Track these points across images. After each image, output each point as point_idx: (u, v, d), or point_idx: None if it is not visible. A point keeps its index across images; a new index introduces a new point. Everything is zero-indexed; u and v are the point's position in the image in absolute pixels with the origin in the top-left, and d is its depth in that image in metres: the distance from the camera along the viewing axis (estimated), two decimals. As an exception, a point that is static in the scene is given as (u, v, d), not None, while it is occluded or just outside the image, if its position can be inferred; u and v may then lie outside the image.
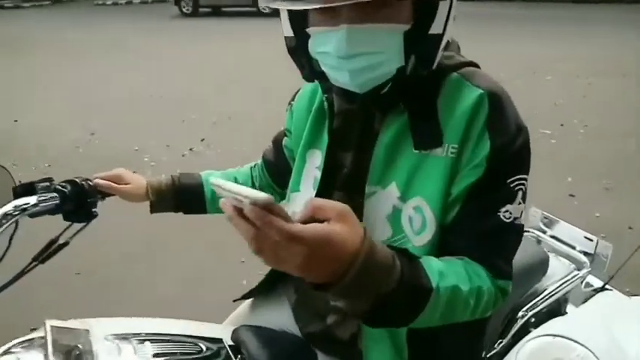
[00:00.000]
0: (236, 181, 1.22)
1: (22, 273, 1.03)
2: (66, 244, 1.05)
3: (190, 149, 4.39)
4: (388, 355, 0.87)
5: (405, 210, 0.83)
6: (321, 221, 0.59)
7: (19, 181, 1.05)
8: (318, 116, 0.97)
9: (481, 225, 0.80)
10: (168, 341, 0.93)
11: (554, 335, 1.17)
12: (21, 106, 5.32)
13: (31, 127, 4.82)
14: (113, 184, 1.12)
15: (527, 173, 0.82)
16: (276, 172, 1.17)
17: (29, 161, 4.00)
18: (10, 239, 0.99)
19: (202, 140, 4.54)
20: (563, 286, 1.39)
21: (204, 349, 0.95)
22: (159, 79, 6.14)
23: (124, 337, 0.90)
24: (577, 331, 1.18)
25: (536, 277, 1.38)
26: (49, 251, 1.05)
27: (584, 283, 1.45)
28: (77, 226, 1.09)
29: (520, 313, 1.32)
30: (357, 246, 0.60)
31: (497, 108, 0.81)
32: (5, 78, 6.06)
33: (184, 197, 1.18)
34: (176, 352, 0.91)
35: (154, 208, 1.18)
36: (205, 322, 1.13)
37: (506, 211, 0.80)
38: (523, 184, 0.81)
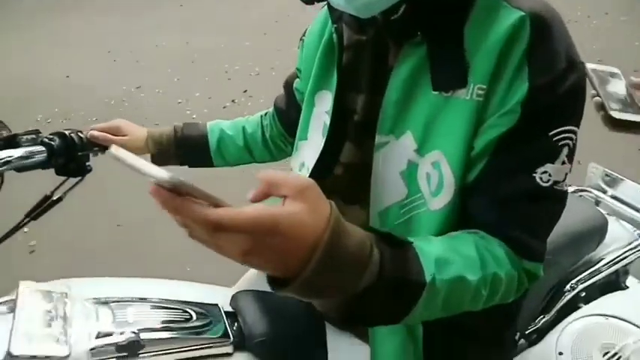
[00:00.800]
0: (244, 132, 1.10)
1: (16, 229, 0.97)
2: (60, 199, 0.99)
3: (232, 101, 4.33)
4: (399, 330, 0.74)
5: (423, 165, 0.68)
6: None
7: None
8: (327, 51, 0.81)
9: (508, 188, 0.64)
10: (153, 307, 0.85)
11: (607, 315, 1.00)
12: (72, 63, 5.41)
13: (80, 82, 4.91)
14: (109, 135, 1.04)
15: (577, 124, 0.64)
16: (287, 119, 1.03)
17: (78, 115, 4.08)
18: (-4, 193, 0.93)
19: (244, 92, 4.46)
20: (624, 255, 1.19)
21: (193, 316, 0.86)
22: (204, 31, 6.06)
23: (105, 302, 0.82)
24: (636, 311, 1.00)
25: (590, 245, 1.19)
26: (42, 207, 0.99)
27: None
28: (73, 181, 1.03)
29: (568, 286, 1.14)
30: (319, 232, 0.46)
31: (542, 35, 0.62)
32: (57, 36, 6.17)
33: (187, 149, 1.08)
34: (159, 320, 0.82)
35: (156, 161, 1.09)
36: (213, 283, 1.05)
37: (545, 172, 0.63)
38: (571, 139, 0.64)
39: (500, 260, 0.62)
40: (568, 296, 1.13)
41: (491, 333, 0.79)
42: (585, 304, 1.11)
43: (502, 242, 0.64)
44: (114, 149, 0.42)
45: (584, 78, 0.66)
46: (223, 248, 0.45)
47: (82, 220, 2.64)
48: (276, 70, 4.78)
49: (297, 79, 0.96)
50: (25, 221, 0.98)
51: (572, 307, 1.11)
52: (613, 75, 0.89)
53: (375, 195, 0.72)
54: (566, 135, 0.63)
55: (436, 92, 0.66)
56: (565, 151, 0.64)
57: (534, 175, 0.63)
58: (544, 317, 1.12)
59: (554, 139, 0.63)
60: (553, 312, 1.12)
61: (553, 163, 0.63)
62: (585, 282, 1.14)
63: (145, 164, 0.41)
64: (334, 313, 0.52)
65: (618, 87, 0.89)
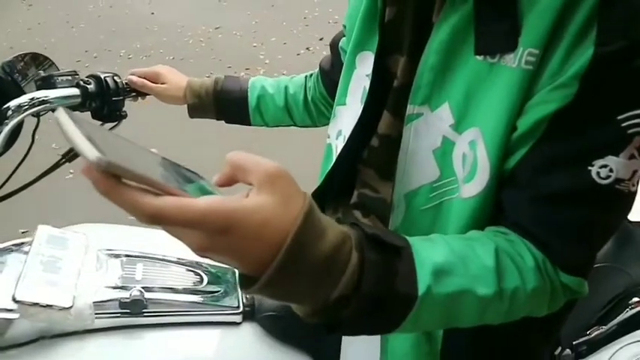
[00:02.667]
0: (286, 92, 1.02)
1: (51, 170, 0.98)
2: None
3: (307, 48, 4.24)
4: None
5: (460, 144, 0.57)
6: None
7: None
8: (371, 6, 0.71)
9: (554, 183, 0.51)
10: (165, 265, 0.83)
11: (677, 343, 0.85)
12: (159, 1, 5.52)
13: (164, 19, 5.02)
14: (147, 82, 1.01)
15: None
16: (331, 81, 0.94)
17: (157, 53, 4.19)
18: (33, 135, 0.94)
19: (320, 40, 4.34)
20: None
21: (204, 280, 0.83)
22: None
23: (117, 255, 0.81)
24: None
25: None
26: (75, 151, 0.99)
27: None
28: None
29: (635, 299, 0.98)
30: (284, 231, 0.39)
31: None
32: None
33: (225, 104, 1.03)
34: (168, 280, 0.80)
35: (192, 113, 1.05)
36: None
37: (605, 165, 0.50)
38: None
39: (527, 273, 0.52)
40: (634, 310, 0.98)
41: (524, 347, 0.69)
42: (654, 322, 0.96)
43: (537, 248, 0.53)
44: (59, 112, 0.37)
45: None
46: (182, 238, 0.40)
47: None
48: (355, 19, 4.59)
49: (344, 38, 0.86)
50: (61, 162, 0.99)
51: (636, 324, 0.96)
52: None
53: (403, 174, 0.63)
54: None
55: (480, 57, 0.55)
56: (637, 141, 0.50)
57: (590, 168, 0.50)
58: (599, 329, 0.98)
59: (622, 124, 0.49)
60: (611, 325, 0.97)
61: (617, 156, 0.50)
62: (659, 296, 0.98)
63: (80, 140, 0.35)
64: (310, 320, 0.45)
65: None
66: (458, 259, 0.49)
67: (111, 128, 1.01)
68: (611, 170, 0.50)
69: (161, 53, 4.17)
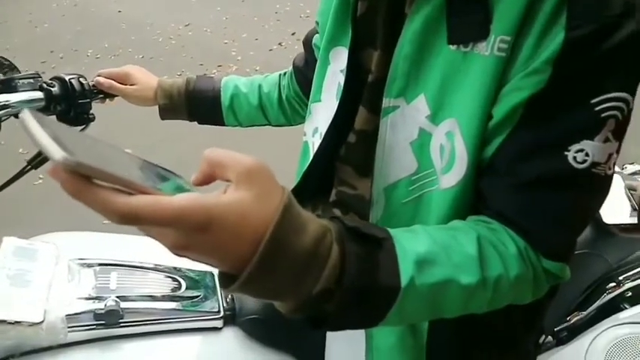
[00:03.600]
0: (260, 91, 1.00)
1: (16, 177, 0.94)
2: (61, 148, 0.95)
3: (279, 44, 4.20)
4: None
5: (437, 136, 0.57)
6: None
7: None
8: (343, 1, 0.70)
9: (532, 169, 0.51)
10: (140, 273, 0.80)
11: (654, 326, 0.86)
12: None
13: (131, 17, 4.91)
14: (116, 83, 0.97)
15: (631, 91, 0.50)
16: (305, 79, 0.92)
17: (126, 52, 4.09)
18: (-5, 139, 0.90)
19: (293, 34, 4.30)
20: (685, 254, 1.03)
21: (183, 285, 0.81)
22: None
23: (90, 264, 0.78)
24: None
25: (645, 238, 1.03)
26: (42, 156, 0.95)
27: None
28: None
29: (612, 284, 1.00)
30: (263, 226, 0.38)
31: None
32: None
33: (198, 103, 1.00)
34: (144, 288, 0.78)
35: (164, 114, 1.02)
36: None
37: (580, 150, 0.50)
38: (620, 109, 0.49)
39: (509, 259, 0.51)
40: (611, 294, 0.99)
41: (508, 334, 0.69)
42: (631, 306, 0.97)
43: (518, 236, 0.53)
44: (24, 114, 0.35)
45: None
46: (157, 238, 0.38)
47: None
48: (326, 13, 4.58)
49: (317, 34, 0.84)
50: (26, 169, 0.95)
51: (614, 307, 0.98)
52: None
53: (381, 168, 0.62)
54: (613, 104, 0.49)
55: (453, 47, 0.54)
56: (610, 124, 0.50)
57: (567, 153, 0.50)
58: (579, 315, 1.00)
59: (595, 108, 0.49)
60: (590, 310, 0.99)
61: (592, 140, 0.50)
62: (633, 280, 1.00)
63: (46, 140, 0.33)
64: (293, 316, 0.44)
65: (616, 190, 0.92)
66: (440, 248, 0.48)
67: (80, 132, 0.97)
68: (587, 154, 0.50)
69: (130, 52, 4.08)
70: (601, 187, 0.53)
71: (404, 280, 0.45)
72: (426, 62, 0.57)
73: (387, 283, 0.45)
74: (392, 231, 0.48)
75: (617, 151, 0.52)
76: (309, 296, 0.41)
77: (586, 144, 0.50)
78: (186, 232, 0.36)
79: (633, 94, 0.50)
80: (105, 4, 5.22)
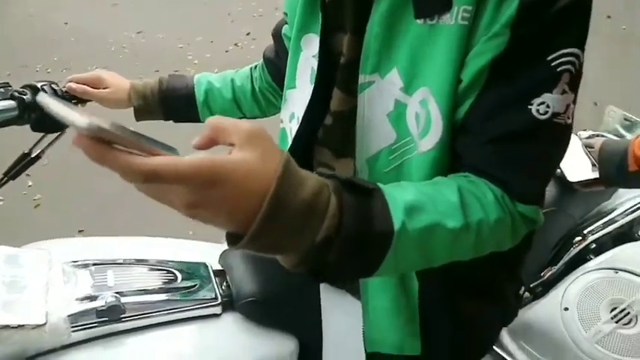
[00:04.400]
0: (233, 84, 1.02)
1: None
2: (38, 157, 0.94)
3: (235, 44, 4.17)
4: (391, 285, 0.70)
5: (412, 105, 0.62)
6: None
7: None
8: None
9: (500, 124, 0.57)
10: (136, 269, 0.81)
11: (617, 269, 0.94)
12: (70, 8, 5.24)
13: (79, 28, 4.77)
14: (89, 88, 0.97)
15: (581, 46, 0.56)
16: (277, 70, 0.95)
17: (78, 64, 3.98)
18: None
19: (248, 34, 4.29)
20: (639, 205, 1.11)
21: (178, 277, 0.83)
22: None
23: (85, 265, 0.79)
24: (649, 264, 0.94)
25: (603, 194, 1.11)
26: (20, 165, 0.94)
27: (668, 201, 1.16)
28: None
29: (578, 237, 1.08)
30: (267, 181, 0.42)
31: None
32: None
33: (172, 102, 1.01)
34: (142, 282, 0.79)
35: (139, 115, 1.03)
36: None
37: (542, 102, 0.55)
38: (572, 63, 0.55)
39: (488, 205, 0.57)
40: (577, 248, 1.07)
41: (492, 286, 0.75)
42: (596, 256, 1.05)
43: (494, 185, 0.58)
44: (41, 96, 0.39)
45: None
46: (166, 200, 0.42)
47: (87, 171, 2.63)
48: (280, 11, 4.56)
49: (286, 25, 0.87)
50: (3, 181, 0.94)
51: (581, 259, 1.06)
52: None
53: (362, 141, 0.66)
54: (567, 59, 0.55)
55: (420, 21, 0.59)
56: (566, 77, 0.55)
57: (530, 107, 0.55)
58: (551, 270, 1.07)
59: (551, 64, 0.55)
60: (560, 264, 1.06)
61: (551, 93, 0.55)
62: (596, 233, 1.08)
63: (68, 111, 0.37)
64: (297, 269, 0.48)
65: (575, 150, 1.00)
66: (426, 197, 0.53)
67: (54, 139, 0.97)
68: (548, 106, 0.55)
69: (82, 64, 3.95)
70: (563, 135, 0.59)
71: (396, 225, 0.49)
72: (396, 38, 0.61)
73: (381, 229, 0.49)
74: (380, 185, 0.53)
75: (574, 102, 0.58)
76: (312, 245, 0.45)
77: (546, 97, 0.55)
78: (199, 188, 0.40)
79: (582, 49, 0.56)
80: (49, 18, 5.05)
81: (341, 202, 0.46)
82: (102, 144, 0.37)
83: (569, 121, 0.58)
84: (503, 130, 0.57)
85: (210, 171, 0.40)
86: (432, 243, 0.53)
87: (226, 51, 4.08)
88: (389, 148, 0.64)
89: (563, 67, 0.55)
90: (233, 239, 0.44)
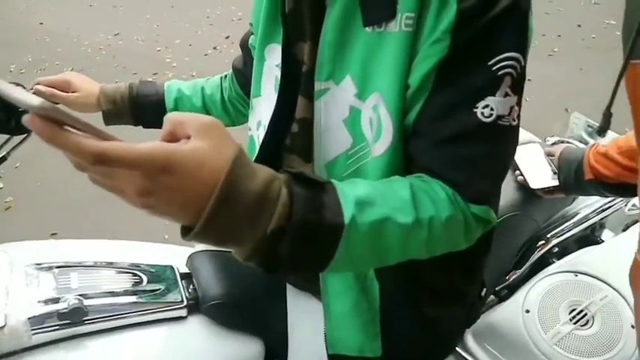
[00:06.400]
0: (203, 93, 1.03)
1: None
2: (3, 159, 0.93)
3: (214, 48, 4.17)
4: (352, 287, 0.71)
5: (365, 111, 0.63)
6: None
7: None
8: (272, 0, 0.74)
9: (448, 127, 0.59)
10: (100, 271, 0.81)
11: (577, 272, 0.97)
12: (45, 9, 5.17)
13: (55, 29, 4.70)
14: (57, 91, 0.97)
15: (521, 51, 0.58)
16: (245, 80, 0.96)
17: (53, 65, 3.92)
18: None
19: (227, 38, 4.29)
20: (600, 209, 1.15)
21: (144, 280, 0.82)
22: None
23: (48, 267, 0.78)
24: (607, 267, 0.97)
25: (566, 199, 1.15)
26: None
27: (628, 206, 1.21)
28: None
29: (541, 241, 1.11)
30: (218, 171, 0.43)
31: None
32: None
33: (142, 108, 1.02)
34: (106, 285, 0.78)
35: (108, 120, 1.02)
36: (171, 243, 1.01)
37: (486, 105, 0.57)
38: (513, 67, 0.58)
39: (440, 203, 0.58)
40: (541, 251, 1.10)
41: (453, 289, 0.76)
42: (559, 259, 1.08)
43: (446, 185, 0.60)
44: None
45: None
46: (117, 189, 0.43)
47: (60, 173, 2.59)
48: (259, 15, 4.58)
49: (252, 36, 0.88)
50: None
51: (544, 263, 1.09)
52: (531, 145, 1.08)
53: (320, 146, 0.68)
54: (507, 63, 0.57)
55: (369, 29, 0.61)
56: (507, 81, 0.57)
57: (475, 110, 0.57)
58: (515, 273, 1.10)
59: (492, 68, 0.57)
60: (524, 268, 1.09)
61: (494, 96, 0.57)
62: (559, 237, 1.11)
63: (20, 92, 0.38)
64: (250, 261, 0.49)
65: (538, 158, 1.05)
66: (377, 192, 0.54)
67: (21, 141, 0.96)
68: (492, 109, 0.58)
69: (57, 65, 3.91)
70: (508, 136, 0.61)
71: (347, 218, 0.51)
72: (348, 46, 0.63)
73: (331, 221, 0.50)
74: (333, 180, 0.54)
75: (518, 104, 0.60)
76: (264, 235, 0.46)
77: (490, 100, 0.57)
78: (150, 175, 0.40)
79: (523, 52, 0.58)
80: (24, 17, 4.96)
81: (291, 193, 0.48)
82: (55, 124, 0.37)
83: (515, 122, 0.60)
84: (451, 132, 0.59)
85: (161, 156, 0.41)
86: (383, 237, 0.54)
87: (205, 54, 4.07)
88: (346, 154, 0.66)
89: (504, 70, 0.57)
90: (187, 231, 0.44)
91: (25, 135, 0.96)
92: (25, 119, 0.38)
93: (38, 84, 0.97)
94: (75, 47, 4.31)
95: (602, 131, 0.66)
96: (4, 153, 0.94)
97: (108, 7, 5.20)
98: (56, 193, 2.52)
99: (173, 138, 0.44)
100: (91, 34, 4.54)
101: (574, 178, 0.97)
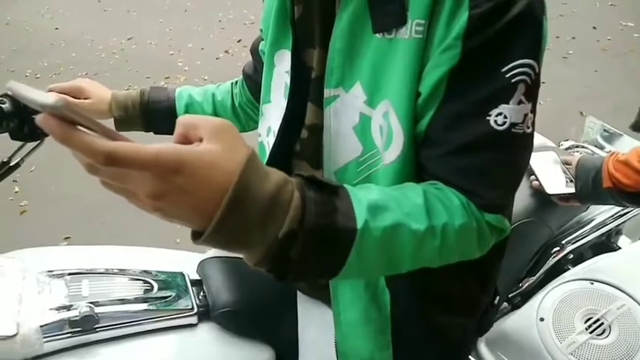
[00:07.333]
0: (214, 99, 1.03)
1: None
2: (17, 166, 0.94)
3: (226, 51, 4.19)
4: (362, 296, 0.70)
5: (376, 118, 0.63)
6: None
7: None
8: (281, 7, 0.74)
9: (461, 136, 0.57)
10: (112, 279, 0.81)
11: (593, 280, 0.95)
12: (61, 14, 5.24)
13: (70, 34, 4.76)
14: (70, 98, 0.98)
15: (535, 57, 0.57)
16: (255, 85, 0.96)
17: (68, 69, 3.97)
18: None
19: (239, 42, 4.30)
20: (616, 215, 1.13)
21: (155, 287, 0.83)
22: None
23: (60, 275, 0.79)
24: (624, 275, 0.95)
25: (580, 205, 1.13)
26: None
27: (645, 212, 1.18)
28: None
29: (556, 248, 1.09)
30: (230, 174, 0.42)
31: None
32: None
33: (153, 114, 1.02)
34: (117, 293, 0.79)
35: (119, 126, 1.03)
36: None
37: (499, 113, 0.56)
38: (527, 74, 0.56)
39: (453, 210, 0.57)
40: (555, 258, 1.08)
41: (465, 298, 0.75)
42: (574, 266, 1.06)
43: (460, 193, 0.59)
44: (11, 84, 0.40)
45: (538, 1, 0.57)
46: (129, 193, 0.42)
47: (74, 178, 2.62)
48: (271, 19, 4.59)
49: (262, 41, 0.88)
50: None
51: (559, 269, 1.07)
52: (547, 152, 1.07)
53: (329, 153, 0.67)
54: (521, 70, 0.56)
55: (379, 35, 0.60)
56: (521, 88, 0.56)
57: (488, 118, 0.56)
58: (529, 280, 1.08)
59: (506, 75, 0.56)
60: (538, 275, 1.07)
61: (508, 104, 0.56)
62: (574, 243, 1.09)
63: (36, 93, 0.38)
64: (260, 266, 0.48)
65: (553, 165, 1.04)
66: (390, 198, 0.53)
67: (34, 148, 0.97)
68: (505, 117, 0.56)
69: (72, 69, 3.96)
70: (522, 144, 0.59)
71: (359, 222, 0.50)
72: (358, 53, 0.62)
73: (344, 225, 0.49)
74: (346, 185, 0.53)
75: (532, 111, 0.58)
76: (276, 240, 0.45)
77: (503, 108, 0.56)
78: (161, 176, 0.40)
79: (537, 59, 0.57)
80: (40, 22, 5.04)
81: (304, 196, 0.47)
82: (68, 124, 0.38)
83: (529, 130, 0.59)
84: (464, 141, 0.58)
85: (173, 157, 0.40)
86: (396, 244, 0.53)
87: (217, 58, 4.09)
88: (356, 161, 0.65)
89: (518, 77, 0.56)
90: (198, 235, 0.44)
91: (38, 141, 0.97)
92: (39, 119, 0.38)
93: (51, 91, 0.98)
94: (89, 52, 4.36)
95: (637, 126, 0.65)
96: (18, 159, 0.95)
97: (121, 12, 5.26)
98: (70, 198, 2.55)
99: (185, 140, 0.44)
100: (105, 38, 4.59)
101: (592, 186, 0.95)
